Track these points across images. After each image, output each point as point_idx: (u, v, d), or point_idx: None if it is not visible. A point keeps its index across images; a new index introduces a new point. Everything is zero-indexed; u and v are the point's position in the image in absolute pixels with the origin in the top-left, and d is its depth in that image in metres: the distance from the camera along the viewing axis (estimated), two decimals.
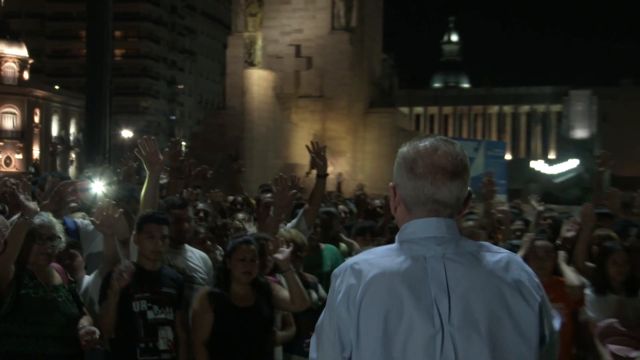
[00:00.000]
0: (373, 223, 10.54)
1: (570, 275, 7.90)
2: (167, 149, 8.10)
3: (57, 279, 6.60)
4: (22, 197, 6.63)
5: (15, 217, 6.64)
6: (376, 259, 3.51)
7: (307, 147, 9.22)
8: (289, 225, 8.78)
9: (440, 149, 3.52)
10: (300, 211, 9.00)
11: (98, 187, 8.13)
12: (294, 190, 8.72)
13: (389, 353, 3.35)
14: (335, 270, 3.64)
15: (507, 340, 3.36)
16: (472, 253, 3.51)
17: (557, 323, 3.61)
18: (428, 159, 3.49)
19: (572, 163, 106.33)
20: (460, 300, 3.37)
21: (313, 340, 3.71)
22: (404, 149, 3.62)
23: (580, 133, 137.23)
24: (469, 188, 3.61)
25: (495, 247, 3.64)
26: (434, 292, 3.36)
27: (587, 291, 7.71)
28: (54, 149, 16.29)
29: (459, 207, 3.60)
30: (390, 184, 3.62)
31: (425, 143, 3.54)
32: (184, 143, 68.22)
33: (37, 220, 6.61)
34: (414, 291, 3.37)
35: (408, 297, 3.36)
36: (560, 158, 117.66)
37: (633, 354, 7.22)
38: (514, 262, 3.52)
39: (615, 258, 7.60)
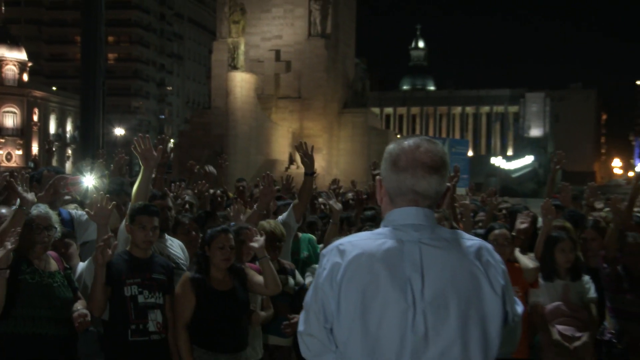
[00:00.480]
0: (349, 214, 10.54)
1: (524, 259, 8.00)
2: (160, 147, 8.04)
3: (53, 265, 6.57)
4: (20, 189, 6.67)
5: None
6: (359, 241, 3.62)
7: (296, 147, 9.29)
8: (279, 218, 8.77)
9: (422, 147, 3.62)
10: (291, 206, 9.00)
11: (89, 181, 8.10)
12: (277, 187, 8.84)
13: (366, 325, 3.47)
14: (324, 250, 3.74)
15: (474, 318, 3.48)
16: (446, 239, 3.60)
17: (519, 309, 3.77)
18: (410, 154, 3.60)
19: (528, 159, 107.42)
20: (433, 279, 3.47)
21: (302, 315, 3.75)
22: (390, 146, 3.70)
23: (534, 132, 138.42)
24: (447, 184, 3.73)
25: (468, 235, 3.76)
26: (408, 272, 3.46)
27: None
28: (50, 146, 16.20)
29: (438, 200, 3.73)
30: (377, 177, 3.76)
31: (409, 141, 3.66)
32: (172, 140, 68.24)
33: (34, 211, 6.63)
34: (390, 270, 3.47)
35: (385, 275, 3.47)
36: (517, 155, 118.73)
37: (577, 334, 7.37)
38: (484, 248, 3.64)
39: (563, 247, 7.66)
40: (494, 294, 3.54)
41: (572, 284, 7.66)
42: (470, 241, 3.65)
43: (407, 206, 3.64)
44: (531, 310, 7.77)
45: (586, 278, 7.79)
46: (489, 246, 3.72)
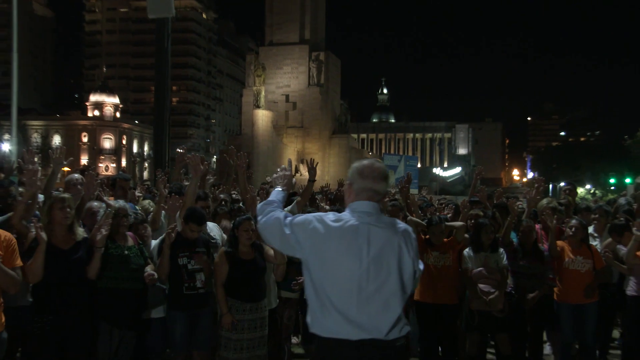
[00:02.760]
0: (338, 207, 10.44)
1: (456, 223, 8.15)
2: (205, 162, 8.05)
3: (130, 242, 6.54)
4: (105, 197, 6.84)
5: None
6: (331, 219, 3.93)
7: (305, 161, 9.47)
8: (287, 208, 8.71)
9: (376, 165, 4.05)
10: (294, 201, 8.96)
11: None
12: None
13: (334, 272, 3.86)
14: (316, 214, 4.05)
15: (397, 269, 3.89)
16: (386, 222, 4.00)
17: (421, 267, 4.19)
18: (369, 169, 3.99)
19: (457, 170, 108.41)
20: (375, 246, 3.86)
21: (279, 216, 4.09)
22: (356, 164, 4.08)
23: (461, 151, 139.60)
24: (388, 188, 4.21)
25: (399, 221, 4.20)
26: (360, 242, 3.85)
27: (467, 250, 7.75)
28: (137, 161, 16.05)
29: (383, 198, 4.17)
30: (346, 182, 4.07)
31: (367, 161, 4.06)
32: (215, 157, 68.41)
33: (116, 205, 6.63)
34: (348, 240, 3.86)
35: (345, 243, 3.86)
36: (450, 166, 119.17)
37: (492, 290, 7.44)
38: (407, 229, 4.06)
39: (486, 229, 7.63)
40: (409, 257, 3.94)
41: (491, 255, 7.61)
42: (400, 225, 4.06)
43: (365, 200, 3.97)
44: (462, 272, 7.75)
45: (501, 250, 7.74)
46: (410, 228, 4.12)
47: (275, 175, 4.56)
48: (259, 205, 4.26)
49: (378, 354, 3.79)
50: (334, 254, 3.85)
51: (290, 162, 4.90)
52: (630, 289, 8.04)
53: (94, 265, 5.92)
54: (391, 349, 3.82)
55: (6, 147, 26.42)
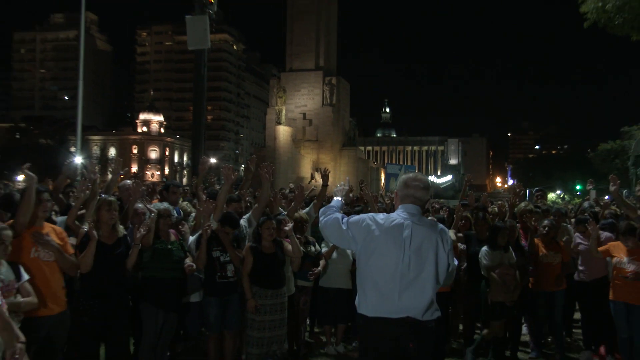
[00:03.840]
0: (348, 209, 10.38)
1: (451, 232, 7.94)
2: (235, 172, 8.04)
3: (172, 237, 6.53)
4: (149, 206, 6.70)
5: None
6: (380, 218, 4.10)
7: (319, 169, 9.53)
8: (304, 210, 8.67)
9: (418, 177, 4.25)
10: (311, 204, 8.91)
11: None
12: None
13: (381, 259, 4.01)
14: (369, 214, 4.22)
15: (434, 261, 4.00)
16: (425, 222, 4.13)
17: (455, 262, 4.37)
18: (413, 179, 4.20)
19: (449, 177, 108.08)
20: (415, 240, 3.98)
21: (338, 216, 4.27)
22: (404, 176, 4.29)
23: (452, 161, 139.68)
24: (427, 197, 4.26)
25: (438, 222, 4.28)
26: (404, 236, 3.98)
27: (484, 249, 7.61)
28: (177, 169, 16.06)
29: (425, 203, 4.25)
30: (395, 191, 4.29)
31: (413, 174, 4.29)
32: (242, 166, 68.92)
33: (161, 206, 6.62)
34: (395, 235, 4.00)
35: (392, 237, 4.00)
36: (443, 174, 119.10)
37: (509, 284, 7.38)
38: (442, 228, 4.17)
39: (502, 232, 7.49)
40: (444, 252, 4.06)
41: (505, 254, 7.51)
42: (439, 225, 4.19)
43: (409, 204, 4.14)
44: (485, 269, 7.61)
45: (510, 250, 7.62)
46: (446, 229, 4.24)
47: (336, 188, 4.77)
48: (321, 209, 4.44)
49: (413, 332, 3.92)
50: (383, 246, 4.00)
51: (348, 179, 5.28)
52: (577, 277, 8.35)
53: (131, 258, 5.96)
54: (424, 328, 3.97)
55: (78, 160, 26.58)
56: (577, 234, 8.62)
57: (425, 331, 3.96)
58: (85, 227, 5.61)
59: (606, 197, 12.84)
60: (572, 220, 9.58)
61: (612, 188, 7.79)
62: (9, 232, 4.67)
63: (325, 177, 9.01)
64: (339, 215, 4.27)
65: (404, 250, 3.96)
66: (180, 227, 7.07)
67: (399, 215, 4.09)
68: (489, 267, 7.47)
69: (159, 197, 8.70)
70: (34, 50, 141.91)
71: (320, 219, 4.35)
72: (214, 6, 12.37)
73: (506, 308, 7.45)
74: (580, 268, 8.34)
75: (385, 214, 4.21)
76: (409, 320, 3.90)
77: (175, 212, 7.12)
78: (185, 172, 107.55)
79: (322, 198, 9.25)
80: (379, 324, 3.94)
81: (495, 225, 7.74)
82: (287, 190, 10.51)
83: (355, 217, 4.19)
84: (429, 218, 4.32)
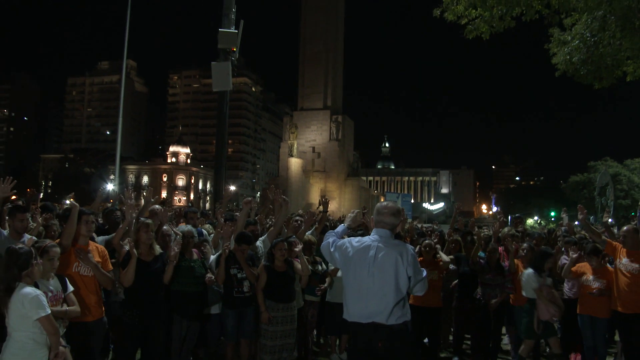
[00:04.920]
0: (352, 233, 10.33)
1: (444, 256, 7.97)
2: (251, 199, 8.08)
3: (195, 256, 6.57)
4: (174, 228, 6.80)
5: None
6: (355, 242, 4.41)
7: (321, 197, 9.54)
8: (308, 232, 8.67)
9: (389, 205, 4.44)
10: (313, 227, 8.91)
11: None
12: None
13: (353, 274, 4.30)
14: (349, 238, 4.52)
15: (395, 274, 4.20)
16: (390, 243, 4.31)
17: (424, 273, 4.39)
18: (383, 207, 4.42)
19: (441, 204, 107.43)
20: (380, 258, 4.23)
21: (330, 240, 4.59)
22: (378, 204, 4.50)
23: (444, 190, 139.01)
24: (397, 221, 4.43)
25: (400, 242, 4.45)
26: (370, 255, 4.26)
27: (530, 270, 7.27)
28: (201, 196, 16.13)
29: (395, 226, 4.42)
30: (372, 217, 4.51)
31: (385, 202, 4.48)
32: (259, 193, 69.20)
33: (185, 229, 6.75)
34: (364, 254, 4.29)
35: (361, 256, 4.30)
36: (435, 202, 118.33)
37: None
38: (406, 248, 4.33)
39: (549, 260, 7.25)
40: (402, 266, 4.22)
41: (547, 277, 7.23)
42: (401, 245, 4.35)
43: (379, 228, 4.37)
44: (538, 290, 7.15)
45: (545, 273, 7.32)
46: (409, 248, 4.37)
47: (348, 215, 4.95)
48: (326, 233, 4.78)
49: (381, 334, 4.14)
50: (355, 264, 4.30)
51: (364, 208, 5.53)
52: (564, 294, 8.11)
53: (168, 274, 6.00)
54: (391, 331, 4.14)
55: (110, 186, 26.84)
56: (564, 255, 8.49)
57: (393, 333, 4.16)
58: (127, 247, 5.66)
59: (576, 222, 12.80)
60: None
61: (580, 217, 7.81)
62: (58, 249, 4.77)
63: (325, 204, 9.03)
64: (332, 239, 4.59)
65: (368, 266, 4.24)
66: (202, 247, 7.09)
67: (369, 238, 4.39)
68: (536, 289, 7.15)
69: (184, 220, 8.74)
70: (83, 92, 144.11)
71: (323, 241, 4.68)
72: (236, 54, 12.50)
73: (552, 325, 7.23)
74: (567, 286, 8.16)
75: (361, 237, 4.50)
76: (375, 324, 4.15)
77: (196, 232, 7.16)
78: (208, 198, 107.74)
79: (323, 222, 9.26)
80: (355, 327, 4.27)
81: (545, 251, 7.48)
82: (297, 217, 10.44)
83: (340, 241, 4.52)
84: (395, 240, 4.45)
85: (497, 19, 8.08)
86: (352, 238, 4.50)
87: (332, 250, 4.50)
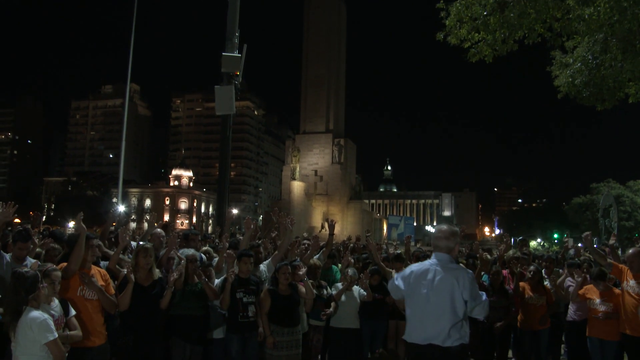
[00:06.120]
0: (358, 256, 10.20)
1: None
2: (254, 221, 8.07)
3: (197, 280, 6.50)
4: (177, 253, 6.74)
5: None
6: (415, 267, 4.60)
7: (327, 219, 9.54)
8: (316, 256, 8.61)
9: (442, 228, 4.62)
10: (321, 251, 8.86)
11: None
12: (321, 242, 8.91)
13: (415, 295, 4.44)
14: (411, 265, 4.76)
15: (451, 297, 4.32)
16: (448, 267, 4.44)
17: (483, 296, 4.50)
18: (437, 231, 4.63)
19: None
20: (437, 281, 4.37)
21: (396, 280, 4.69)
22: (434, 229, 4.79)
23: (446, 213, 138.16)
24: (453, 244, 4.54)
25: (459, 266, 4.68)
26: (428, 278, 4.40)
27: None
28: (203, 219, 16.07)
29: (450, 250, 4.53)
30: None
31: (439, 226, 4.67)
32: (261, 217, 69.05)
33: (188, 252, 6.73)
34: (423, 277, 4.44)
35: (421, 279, 4.44)
36: (438, 225, 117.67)
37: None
38: (463, 272, 4.47)
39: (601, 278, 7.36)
40: (459, 290, 4.32)
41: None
42: (458, 269, 4.48)
43: (437, 252, 4.52)
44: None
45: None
46: (466, 271, 4.52)
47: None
48: (389, 283, 4.91)
49: (438, 356, 4.26)
50: (414, 287, 4.46)
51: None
52: (569, 316, 8.16)
53: (166, 299, 5.97)
54: (447, 353, 4.26)
55: (121, 208, 26.90)
56: (568, 277, 8.52)
57: (450, 356, 4.28)
58: (124, 271, 5.64)
59: (579, 244, 12.78)
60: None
61: (586, 243, 7.85)
62: (59, 273, 4.77)
63: (331, 227, 8.97)
64: (395, 275, 4.86)
65: (426, 290, 4.37)
66: (207, 272, 7.03)
67: (429, 262, 4.56)
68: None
69: (184, 243, 8.71)
70: (87, 115, 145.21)
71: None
72: (239, 77, 12.58)
73: None
74: (572, 308, 8.16)
75: (420, 262, 4.76)
76: (433, 346, 4.28)
77: (199, 257, 7.11)
78: (210, 221, 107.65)
79: (331, 245, 9.19)
80: (413, 348, 4.42)
81: (601, 271, 7.47)
82: (305, 241, 10.35)
83: (403, 271, 4.74)
84: (453, 264, 4.58)
85: (499, 42, 8.15)
86: (413, 264, 4.72)
87: (396, 282, 4.65)
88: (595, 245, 8.91)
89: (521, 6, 7.49)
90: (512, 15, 7.52)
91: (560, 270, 9.36)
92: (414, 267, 4.60)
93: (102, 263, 6.34)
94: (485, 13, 7.76)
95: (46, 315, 4.25)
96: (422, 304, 4.39)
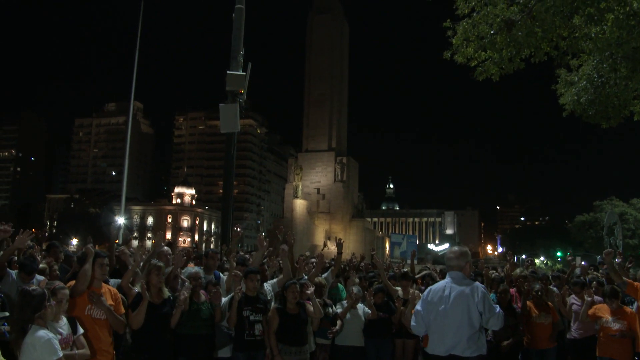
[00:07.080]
0: (361, 274, 10.14)
1: None
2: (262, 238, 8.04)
3: (203, 298, 6.53)
4: (181, 273, 6.74)
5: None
6: (433, 286, 5.12)
7: (332, 238, 9.50)
8: (324, 275, 8.56)
9: (454, 249, 5.13)
10: (329, 270, 8.80)
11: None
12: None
13: (433, 311, 4.85)
14: (431, 286, 5.17)
15: (467, 311, 4.70)
16: (463, 282, 4.84)
17: (497, 309, 4.85)
18: (449, 252, 5.12)
19: (446, 245, 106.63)
20: (453, 297, 4.76)
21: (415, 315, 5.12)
22: (447, 252, 5.21)
23: (449, 231, 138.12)
24: (464, 262, 4.96)
25: (470, 280, 4.97)
26: (445, 294, 4.82)
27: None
28: (207, 238, 16.02)
29: (461, 268, 4.97)
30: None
31: (449, 249, 5.15)
32: (264, 233, 69.10)
33: (192, 271, 6.76)
34: (440, 294, 4.87)
35: (438, 296, 4.87)
36: (441, 243, 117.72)
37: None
38: (477, 287, 4.86)
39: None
40: (474, 303, 4.71)
41: None
42: (472, 284, 4.87)
43: (451, 270, 4.95)
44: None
45: None
46: (480, 287, 4.87)
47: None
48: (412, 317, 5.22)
49: None
50: (433, 303, 4.85)
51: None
52: (570, 335, 8.21)
53: (175, 317, 5.97)
54: None
55: (121, 220, 26.77)
56: (572, 295, 8.48)
57: None
58: (136, 289, 5.63)
59: (583, 262, 12.72)
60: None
61: (607, 259, 7.80)
62: (66, 292, 4.76)
63: (339, 246, 8.96)
64: (416, 309, 5.16)
65: (445, 304, 4.73)
66: (212, 289, 6.99)
67: (445, 280, 4.97)
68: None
69: (193, 263, 8.68)
70: (90, 133, 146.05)
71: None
72: (244, 95, 12.58)
73: None
74: (573, 327, 8.17)
75: (439, 281, 5.19)
76: (453, 357, 4.61)
77: (203, 275, 7.06)
78: (213, 239, 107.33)
79: (339, 264, 9.16)
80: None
81: (614, 288, 7.41)
82: (312, 259, 10.30)
83: (420, 299, 5.18)
84: (466, 280, 4.92)
85: (506, 60, 8.18)
86: (432, 285, 5.12)
87: (418, 308, 5.03)
88: (616, 260, 8.82)
89: (528, 25, 7.52)
90: (519, 34, 7.55)
91: (554, 288, 9.26)
92: (434, 287, 5.00)
93: (113, 281, 6.32)
94: (492, 32, 7.80)
95: (51, 335, 4.21)
96: (441, 319, 4.74)
